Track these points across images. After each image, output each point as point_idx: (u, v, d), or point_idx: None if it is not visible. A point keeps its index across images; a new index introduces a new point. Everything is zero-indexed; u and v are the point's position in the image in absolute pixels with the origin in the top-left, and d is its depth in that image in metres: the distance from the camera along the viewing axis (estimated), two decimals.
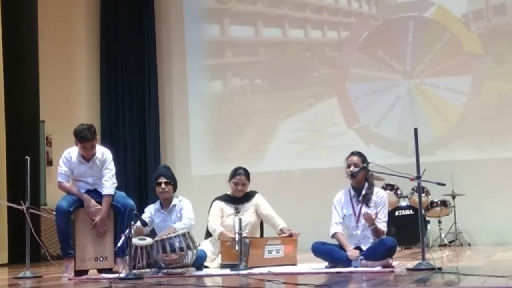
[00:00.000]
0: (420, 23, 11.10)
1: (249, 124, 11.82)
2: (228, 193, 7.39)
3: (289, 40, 11.84)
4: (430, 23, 11.07)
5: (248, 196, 7.35)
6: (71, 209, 6.61)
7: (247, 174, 7.31)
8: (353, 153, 6.53)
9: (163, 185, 6.85)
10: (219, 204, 7.31)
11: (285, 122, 11.64)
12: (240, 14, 12.05)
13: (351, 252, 6.21)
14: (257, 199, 7.35)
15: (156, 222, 6.90)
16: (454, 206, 10.19)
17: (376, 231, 6.29)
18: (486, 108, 10.78)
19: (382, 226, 6.35)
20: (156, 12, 12.26)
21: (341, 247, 6.37)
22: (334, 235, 6.45)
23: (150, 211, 6.97)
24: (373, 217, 6.24)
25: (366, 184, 6.46)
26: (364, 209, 6.36)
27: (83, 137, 6.58)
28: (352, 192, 6.49)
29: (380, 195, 6.48)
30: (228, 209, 7.25)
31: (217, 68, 12.08)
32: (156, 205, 7.00)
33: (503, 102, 10.72)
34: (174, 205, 6.89)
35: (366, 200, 6.42)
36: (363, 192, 6.43)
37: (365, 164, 6.39)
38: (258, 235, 7.33)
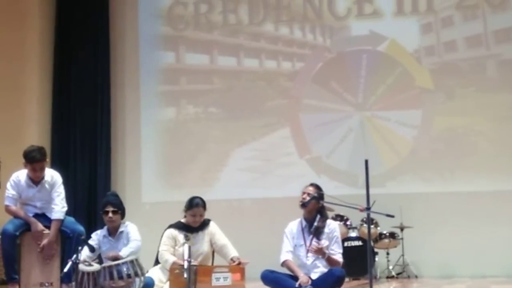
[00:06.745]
0: (373, 57, 11.24)
1: (201, 152, 11.78)
2: (183, 220, 7.23)
3: (244, 69, 11.88)
4: (383, 57, 11.23)
5: (202, 225, 7.21)
6: (17, 233, 6.53)
7: (204, 204, 7.17)
8: (311, 184, 6.63)
9: (110, 214, 6.79)
10: (172, 232, 7.14)
11: (237, 150, 11.63)
12: (196, 42, 12.05)
13: (303, 278, 6.23)
14: (212, 228, 7.24)
15: (103, 249, 6.81)
16: (402, 238, 10.27)
17: (331, 262, 6.32)
18: (436, 143, 10.93)
19: (338, 257, 6.42)
20: (111, 39, 12.16)
21: (290, 276, 6.38)
22: (284, 263, 6.48)
23: (97, 237, 6.89)
24: (323, 248, 6.28)
25: (318, 217, 6.51)
26: (314, 242, 6.40)
27: (33, 157, 6.52)
28: (304, 223, 6.54)
29: (331, 227, 6.53)
30: (182, 237, 7.00)
31: (171, 95, 12.04)
32: (104, 231, 6.92)
33: (453, 137, 10.88)
34: (121, 232, 6.83)
35: (318, 234, 6.47)
36: (315, 224, 6.48)
37: (315, 195, 6.44)
38: (210, 264, 7.26)
